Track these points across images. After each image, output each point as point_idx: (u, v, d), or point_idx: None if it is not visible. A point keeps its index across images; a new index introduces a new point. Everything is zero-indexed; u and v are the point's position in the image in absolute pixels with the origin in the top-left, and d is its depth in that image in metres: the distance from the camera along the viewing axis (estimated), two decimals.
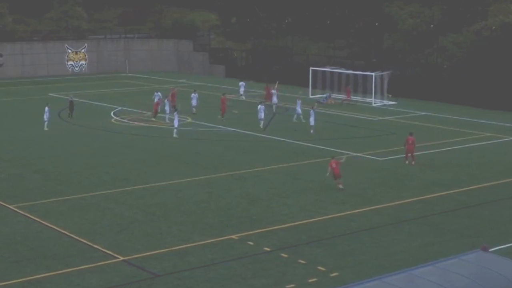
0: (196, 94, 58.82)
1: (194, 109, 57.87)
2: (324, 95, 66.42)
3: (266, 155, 43.40)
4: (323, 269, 24.64)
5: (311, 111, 49.90)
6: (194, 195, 34.32)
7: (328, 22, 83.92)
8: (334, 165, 35.15)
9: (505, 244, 27.06)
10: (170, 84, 76.90)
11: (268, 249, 26.89)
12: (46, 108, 51.31)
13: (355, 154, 43.41)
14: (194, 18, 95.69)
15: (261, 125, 51.48)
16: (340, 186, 34.93)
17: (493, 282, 18.01)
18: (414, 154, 40.90)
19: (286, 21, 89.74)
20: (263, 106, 52.31)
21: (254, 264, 25.30)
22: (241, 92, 67.75)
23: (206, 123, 53.83)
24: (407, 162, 40.68)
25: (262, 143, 47.02)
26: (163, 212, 31.56)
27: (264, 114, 51.82)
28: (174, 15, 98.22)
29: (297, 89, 72.46)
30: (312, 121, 49.63)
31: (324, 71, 70.61)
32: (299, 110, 53.57)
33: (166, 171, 39.08)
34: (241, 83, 69.05)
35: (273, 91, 60.83)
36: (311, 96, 68.86)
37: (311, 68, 71.40)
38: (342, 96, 67.11)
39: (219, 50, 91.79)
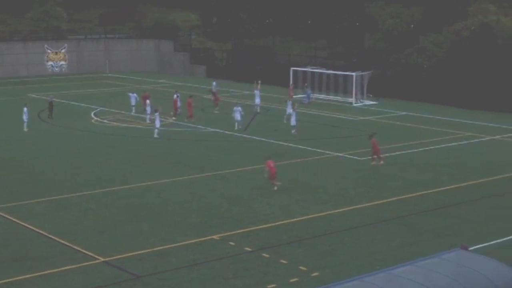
0: (179, 95, 58.81)
1: (178, 109, 57.85)
2: (305, 95, 66.45)
3: (248, 155, 43.48)
4: (304, 269, 24.75)
5: (293, 112, 50.04)
6: (176, 196, 34.34)
7: (310, 22, 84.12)
8: (271, 164, 35.10)
9: (483, 243, 27.29)
10: (150, 85, 76.86)
11: (249, 249, 26.98)
12: (25, 109, 51.06)
13: (336, 154, 43.58)
14: (175, 18, 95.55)
15: (236, 127, 51.27)
16: (275, 188, 34.89)
17: (473, 281, 18.16)
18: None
19: (267, 21, 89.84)
20: (239, 108, 52.01)
21: (236, 264, 25.38)
22: (213, 89, 66.31)
23: (187, 124, 53.81)
24: (374, 163, 40.71)
25: (243, 143, 47.11)
26: (145, 213, 31.55)
27: (241, 116, 51.58)
28: (154, 15, 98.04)
29: (278, 89, 72.70)
30: (293, 121, 49.77)
31: (305, 71, 70.79)
32: (290, 110, 53.22)
33: (148, 171, 39.06)
34: (214, 83, 68.01)
35: (256, 91, 60.71)
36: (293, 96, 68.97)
37: (292, 68, 71.58)
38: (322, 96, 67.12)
39: (200, 50, 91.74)
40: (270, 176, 35.09)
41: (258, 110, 59.60)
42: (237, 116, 51.41)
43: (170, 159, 42.45)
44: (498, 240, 27.74)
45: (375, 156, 40.85)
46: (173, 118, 55.70)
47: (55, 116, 55.07)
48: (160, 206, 32.59)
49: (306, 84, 68.04)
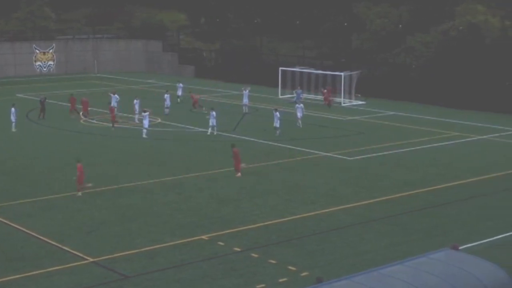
0: (169, 95, 58.53)
1: (167, 110, 57.63)
2: (294, 95, 66.21)
3: None
4: (293, 269, 24.73)
5: (276, 113, 49.39)
6: (164, 196, 34.25)
7: (298, 22, 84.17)
8: (80, 169, 34.14)
9: (472, 243, 27.35)
10: (138, 85, 76.71)
11: (238, 249, 26.93)
12: (13, 109, 50.79)
13: (325, 154, 43.58)
14: (163, 18, 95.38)
15: (209, 132, 49.73)
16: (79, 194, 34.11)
17: (462, 280, 18.18)
18: None
19: (255, 21, 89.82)
20: (214, 113, 49.88)
21: (225, 265, 25.33)
22: (179, 94, 64.78)
23: (176, 124, 53.72)
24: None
25: (229, 143, 46.93)
26: (133, 213, 31.46)
27: (216, 121, 49.70)
28: (142, 15, 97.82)
29: (266, 89, 72.72)
30: (276, 122, 49.38)
31: (294, 71, 70.81)
32: (300, 114, 52.23)
33: (136, 171, 38.96)
34: (179, 85, 66.00)
35: (245, 91, 60.41)
36: (280, 96, 69.07)
37: (280, 68, 71.58)
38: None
39: (188, 50, 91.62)
40: (78, 179, 34.05)
41: (247, 110, 59.53)
42: (213, 121, 49.55)
43: (158, 159, 42.34)
44: (487, 240, 27.80)
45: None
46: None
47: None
48: (148, 207, 32.49)
49: (299, 86, 67.92)
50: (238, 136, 48.92)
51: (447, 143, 47.36)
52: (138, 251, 26.59)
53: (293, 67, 71.85)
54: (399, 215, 31.41)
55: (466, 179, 37.58)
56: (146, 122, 48.89)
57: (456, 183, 36.98)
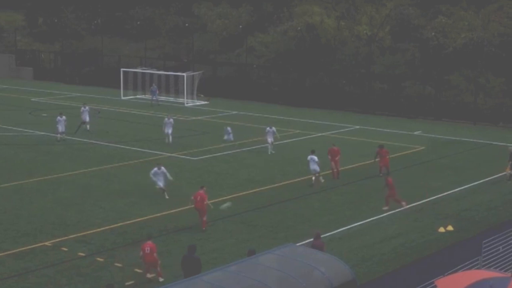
0: (87, 108, 51.78)
1: (87, 125, 51.28)
2: (154, 96, 65.41)
3: (80, 158, 42.54)
4: (140, 271, 24.52)
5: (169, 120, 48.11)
6: (3, 202, 33.03)
7: (139, 22, 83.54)
8: None
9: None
10: None
11: (83, 254, 26.42)
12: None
13: (169, 154, 43.53)
14: None
15: (58, 138, 47.66)
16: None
17: (306, 273, 18.71)
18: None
19: (95, 22, 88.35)
20: (62, 118, 47.63)
21: (70, 270, 24.78)
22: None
23: (14, 128, 51.95)
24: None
25: (74, 146, 46.05)
26: None
27: (62, 127, 47.62)
28: None
29: (108, 90, 71.74)
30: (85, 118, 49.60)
31: (136, 72, 70.28)
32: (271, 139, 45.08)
33: None
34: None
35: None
36: (123, 98, 68.33)
37: (122, 69, 70.82)
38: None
39: (26, 51, 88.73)
40: None
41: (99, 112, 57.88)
42: (61, 128, 47.24)
43: None
44: (328, 234, 28.70)
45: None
46: None
47: None
48: None
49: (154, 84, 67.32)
50: (81, 139, 47.96)
51: (290, 140, 48.51)
52: None
53: (135, 68, 71.33)
54: (245, 212, 31.87)
55: (308, 175, 38.59)
56: None
57: (299, 179, 37.94)
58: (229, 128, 46.89)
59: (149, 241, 23.97)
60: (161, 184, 33.85)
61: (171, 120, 47.68)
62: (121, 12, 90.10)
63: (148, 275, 23.92)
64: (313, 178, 36.59)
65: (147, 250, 23.67)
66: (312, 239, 23.96)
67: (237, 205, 32.80)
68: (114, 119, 55.05)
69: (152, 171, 34.04)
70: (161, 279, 23.70)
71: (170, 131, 46.90)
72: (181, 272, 22.25)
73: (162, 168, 34.02)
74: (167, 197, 33.75)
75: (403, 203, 32.66)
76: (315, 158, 36.59)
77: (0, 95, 69.33)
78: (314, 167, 36.55)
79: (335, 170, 38.34)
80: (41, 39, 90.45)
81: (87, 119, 50.67)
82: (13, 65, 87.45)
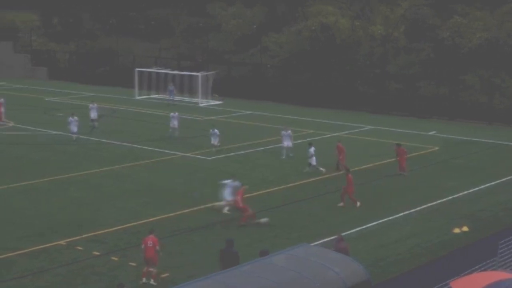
0: (95, 105, 52.62)
1: (95, 123, 51.44)
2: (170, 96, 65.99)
3: (93, 158, 42.65)
4: (154, 270, 24.50)
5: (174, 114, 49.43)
6: (18, 202, 33.15)
7: (153, 22, 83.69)
8: None
9: (328, 237, 28.08)
10: None
11: (97, 253, 26.46)
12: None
13: (183, 154, 43.54)
14: (14, 18, 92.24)
15: (74, 138, 47.40)
16: None
17: (320, 273, 18.63)
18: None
19: (110, 22, 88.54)
20: (74, 118, 47.96)
21: (84, 270, 24.82)
22: None
23: (29, 127, 52.14)
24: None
25: (89, 146, 46.16)
26: None
27: (74, 127, 47.73)
28: None
29: (123, 90, 71.92)
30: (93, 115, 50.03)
31: (150, 72, 70.40)
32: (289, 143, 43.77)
33: None
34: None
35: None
36: (137, 97, 68.47)
37: (136, 69, 70.95)
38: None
39: (41, 51, 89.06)
40: None
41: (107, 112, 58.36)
42: (73, 129, 47.61)
43: (8, 164, 40.88)
44: (342, 234, 28.54)
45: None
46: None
47: None
48: (1, 214, 31.30)
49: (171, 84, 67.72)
50: (95, 139, 48.08)
51: (302, 140, 48.38)
52: None
53: (149, 68, 71.45)
54: (258, 212, 31.79)
55: (322, 175, 38.51)
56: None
57: (312, 179, 37.86)
58: (216, 130, 44.49)
59: (151, 235, 23.80)
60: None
61: (176, 113, 49.82)
62: (136, 12, 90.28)
63: (144, 280, 23.51)
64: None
65: (150, 243, 23.44)
66: (318, 241, 23.85)
67: (250, 205, 32.70)
68: (128, 119, 55.13)
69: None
70: (153, 282, 23.46)
71: (176, 124, 48.96)
72: (219, 266, 22.26)
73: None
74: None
75: (358, 203, 32.77)
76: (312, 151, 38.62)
77: (15, 95, 69.60)
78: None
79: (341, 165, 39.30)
80: (56, 39, 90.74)
81: (96, 116, 51.34)
82: (29, 65, 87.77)
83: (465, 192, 35.72)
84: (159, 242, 23.90)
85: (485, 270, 20.56)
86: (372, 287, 19.98)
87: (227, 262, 22.02)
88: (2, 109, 54.62)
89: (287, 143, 43.34)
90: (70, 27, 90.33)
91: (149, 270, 23.63)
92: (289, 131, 43.90)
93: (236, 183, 32.16)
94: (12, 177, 37.53)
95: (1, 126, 52.28)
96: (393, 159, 39.82)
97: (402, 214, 31.76)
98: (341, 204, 32.78)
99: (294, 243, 24.48)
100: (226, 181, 32.58)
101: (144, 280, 23.50)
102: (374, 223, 30.42)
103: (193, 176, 38.26)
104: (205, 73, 67.63)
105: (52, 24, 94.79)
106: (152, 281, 23.45)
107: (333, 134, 50.77)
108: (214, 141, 44.18)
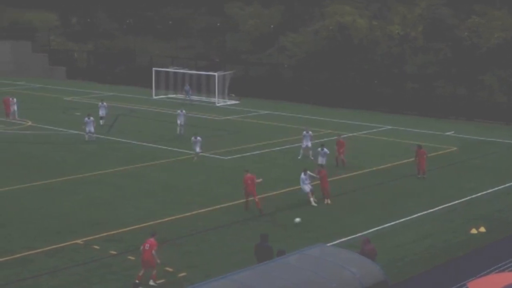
0: (105, 104, 53.72)
1: (101, 120, 52.56)
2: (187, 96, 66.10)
3: (110, 157, 42.79)
4: (170, 269, 24.57)
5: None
6: (35, 201, 33.30)
7: (170, 22, 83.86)
8: None
9: (346, 237, 28.05)
10: (7, 87, 74.31)
11: (114, 252, 26.53)
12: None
13: (201, 153, 43.57)
14: (32, 18, 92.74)
15: (86, 138, 47.35)
16: None
17: (336, 273, 18.60)
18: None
19: (128, 21, 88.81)
20: (90, 119, 47.36)
21: (101, 269, 24.89)
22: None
23: (47, 126, 52.38)
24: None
25: (106, 146, 46.32)
26: (2, 219, 30.40)
27: (90, 128, 47.58)
28: (10, 15, 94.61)
29: (140, 90, 72.10)
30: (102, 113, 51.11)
31: (168, 71, 70.55)
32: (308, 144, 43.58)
33: (5, 177, 37.66)
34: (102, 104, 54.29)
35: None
36: (154, 97, 68.64)
37: (154, 68, 71.14)
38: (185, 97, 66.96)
39: (59, 51, 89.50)
40: None
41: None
42: (90, 128, 47.28)
43: (26, 163, 41.09)
44: (358, 234, 28.51)
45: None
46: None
47: None
48: (18, 212, 31.47)
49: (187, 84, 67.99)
50: (112, 138, 48.25)
51: (320, 140, 48.27)
52: (9, 259, 25.73)
53: (167, 68, 71.61)
54: (275, 212, 31.78)
55: (339, 175, 38.44)
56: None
57: (330, 179, 37.70)
58: (199, 138, 42.49)
59: (151, 238, 23.68)
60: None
61: (184, 111, 50.34)
62: (153, 12, 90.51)
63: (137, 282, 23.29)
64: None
65: (146, 246, 23.32)
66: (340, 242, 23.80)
67: (267, 205, 32.72)
68: (145, 118, 55.22)
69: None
70: (152, 283, 23.43)
71: (182, 121, 49.53)
72: (255, 260, 22.39)
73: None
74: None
75: (328, 200, 33.11)
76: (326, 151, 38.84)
77: (34, 94, 70.01)
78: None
79: (340, 159, 40.47)
80: (74, 39, 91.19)
81: (104, 113, 52.56)
82: (47, 64, 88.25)
83: (483, 192, 35.53)
84: (157, 246, 23.58)
85: (502, 271, 20.45)
86: (389, 287, 19.90)
87: (261, 256, 22.31)
88: (15, 108, 54.99)
89: (306, 143, 43.20)
90: (88, 26, 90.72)
91: (143, 273, 23.31)
92: (310, 132, 43.83)
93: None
94: (29, 176, 37.71)
95: (15, 125, 52.45)
96: (411, 159, 39.64)
97: (419, 214, 31.64)
98: (312, 198, 33.01)
99: (311, 243, 24.44)
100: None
101: (137, 281, 23.30)
102: (391, 223, 30.32)
103: (209, 176, 38.28)
104: (222, 73, 67.69)
105: (70, 24, 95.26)
106: (151, 282, 23.45)
107: (351, 134, 50.65)
108: (197, 148, 42.37)
